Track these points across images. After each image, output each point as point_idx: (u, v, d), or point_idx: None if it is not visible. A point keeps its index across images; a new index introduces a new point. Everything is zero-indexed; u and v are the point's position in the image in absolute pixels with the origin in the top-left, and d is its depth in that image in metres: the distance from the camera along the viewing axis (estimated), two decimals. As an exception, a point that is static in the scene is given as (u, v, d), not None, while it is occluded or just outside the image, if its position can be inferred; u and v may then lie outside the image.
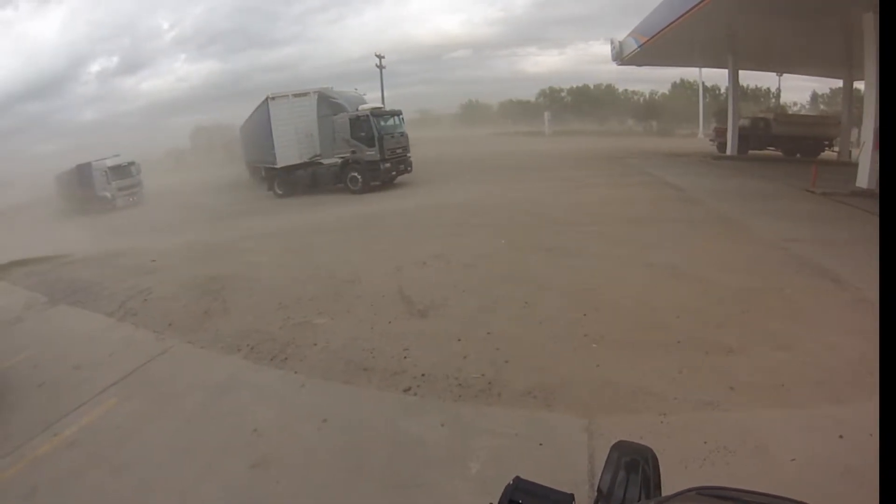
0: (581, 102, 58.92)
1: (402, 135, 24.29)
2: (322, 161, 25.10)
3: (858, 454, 4.30)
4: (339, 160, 23.78)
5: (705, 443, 4.64)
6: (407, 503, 4.29)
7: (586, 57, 76.97)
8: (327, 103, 24.94)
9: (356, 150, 22.95)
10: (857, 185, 16.82)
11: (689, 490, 1.37)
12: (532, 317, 7.35)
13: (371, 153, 22.64)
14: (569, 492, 1.54)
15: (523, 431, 4.94)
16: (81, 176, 37.06)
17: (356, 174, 23.08)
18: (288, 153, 25.26)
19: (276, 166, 25.48)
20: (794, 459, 4.57)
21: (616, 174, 22.10)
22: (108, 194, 34.81)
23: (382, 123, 23.27)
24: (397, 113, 24.80)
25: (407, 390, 5.80)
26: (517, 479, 1.54)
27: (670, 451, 3.78)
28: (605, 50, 37.78)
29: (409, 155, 24.45)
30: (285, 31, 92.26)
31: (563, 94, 61.03)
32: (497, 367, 6.00)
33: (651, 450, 2.27)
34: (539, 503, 1.45)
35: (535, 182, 20.70)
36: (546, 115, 52.47)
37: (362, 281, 8.78)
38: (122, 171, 35.41)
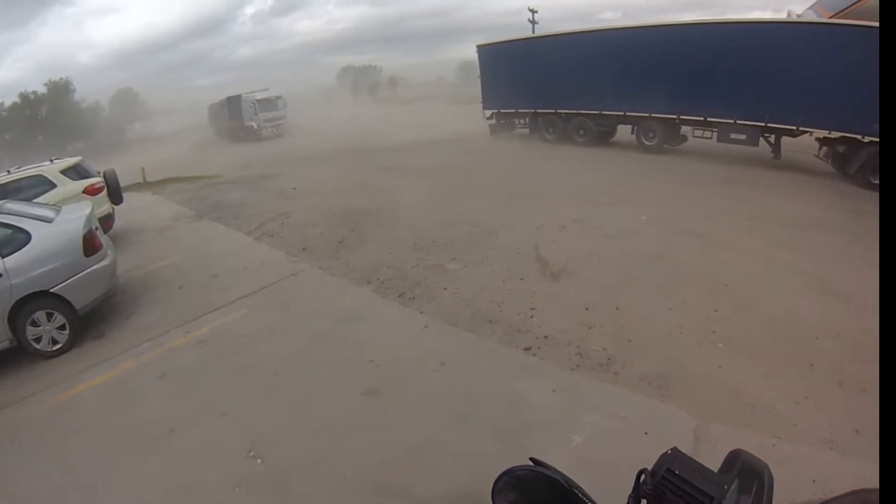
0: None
1: None
2: None
3: None
4: None
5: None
6: (505, 457, 4.28)
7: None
8: None
9: None
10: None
11: (864, 490, 1.27)
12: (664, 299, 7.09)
13: None
14: (723, 475, 1.46)
15: (632, 416, 4.80)
16: (231, 107, 40.21)
17: None
18: None
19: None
20: None
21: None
22: (254, 125, 37.42)
23: None
24: None
25: (528, 349, 5.77)
26: (675, 449, 1.44)
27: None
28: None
29: None
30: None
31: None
32: (620, 346, 5.85)
33: (768, 466, 2.14)
34: (695, 477, 1.39)
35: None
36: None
37: (500, 234, 8.81)
38: (269, 104, 38.06)
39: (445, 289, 7.19)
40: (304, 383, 5.71)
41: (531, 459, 1.41)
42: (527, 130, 23.14)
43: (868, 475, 3.92)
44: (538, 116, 22.50)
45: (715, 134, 18.73)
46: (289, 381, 5.81)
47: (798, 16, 28.85)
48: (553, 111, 21.87)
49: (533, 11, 42.08)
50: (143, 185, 21.32)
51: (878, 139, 14.32)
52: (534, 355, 5.67)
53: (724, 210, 11.11)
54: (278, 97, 39.10)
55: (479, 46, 24.88)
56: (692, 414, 4.82)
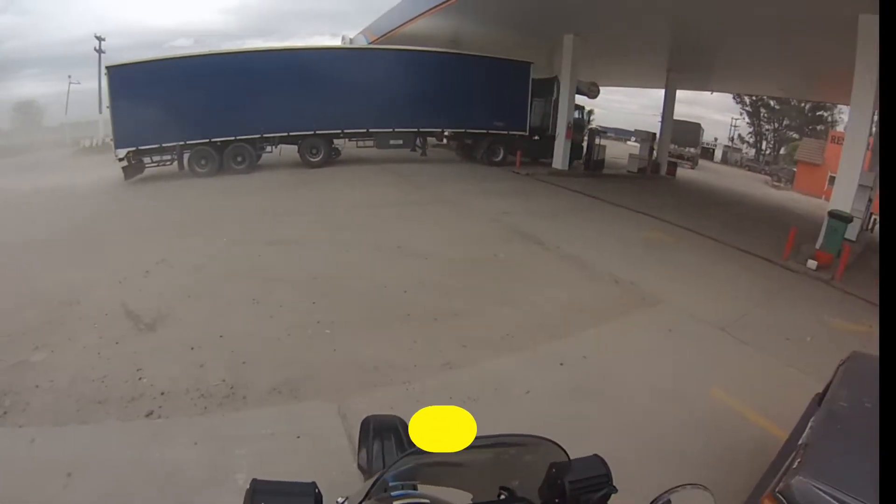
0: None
1: None
2: None
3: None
4: None
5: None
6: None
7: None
8: None
9: None
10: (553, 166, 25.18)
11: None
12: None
13: None
14: (309, 481, 1.56)
15: (279, 429, 5.23)
16: None
17: None
18: None
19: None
20: (528, 392, 5.64)
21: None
22: None
23: None
24: None
25: (150, 414, 5.72)
26: (254, 481, 1.56)
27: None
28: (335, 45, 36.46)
29: None
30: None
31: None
32: (237, 371, 6.20)
33: (399, 417, 2.65)
34: (282, 500, 1.48)
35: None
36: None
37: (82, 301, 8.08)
38: None
39: (38, 386, 6.38)
40: None
41: None
42: (169, 168, 20.49)
43: (480, 380, 5.13)
44: (186, 149, 20.07)
45: (375, 142, 22.97)
46: None
47: (351, 40, 34.29)
48: (206, 140, 19.79)
49: (100, 39, 39.19)
50: None
51: (493, 131, 24.67)
52: (158, 417, 5.68)
53: (299, 212, 12.36)
54: None
55: (109, 68, 20.06)
56: (330, 400, 5.50)
